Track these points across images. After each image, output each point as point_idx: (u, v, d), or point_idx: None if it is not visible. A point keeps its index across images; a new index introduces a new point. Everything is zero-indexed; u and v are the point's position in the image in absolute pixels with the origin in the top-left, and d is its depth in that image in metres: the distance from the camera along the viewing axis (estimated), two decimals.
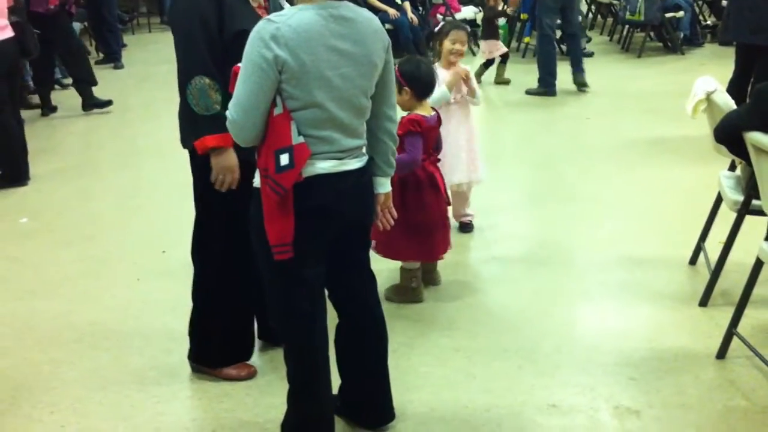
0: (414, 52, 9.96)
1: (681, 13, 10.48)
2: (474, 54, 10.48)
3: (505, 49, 8.92)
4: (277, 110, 2.35)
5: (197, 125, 2.82)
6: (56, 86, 8.98)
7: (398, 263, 3.82)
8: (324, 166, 2.42)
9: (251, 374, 3.24)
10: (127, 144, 6.94)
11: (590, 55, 10.54)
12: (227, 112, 2.39)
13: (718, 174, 3.91)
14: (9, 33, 5.76)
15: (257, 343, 3.36)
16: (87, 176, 6.03)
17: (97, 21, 10.53)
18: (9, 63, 5.80)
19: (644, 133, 6.72)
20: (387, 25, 9.72)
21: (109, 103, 8.01)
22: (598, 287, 3.99)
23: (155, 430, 2.94)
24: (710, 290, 3.70)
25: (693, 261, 4.15)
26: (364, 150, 2.58)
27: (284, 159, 2.34)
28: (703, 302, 3.71)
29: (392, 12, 9.96)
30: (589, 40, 11.10)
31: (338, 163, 2.45)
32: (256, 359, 3.32)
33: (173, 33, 2.90)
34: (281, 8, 2.73)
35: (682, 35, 10.77)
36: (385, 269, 3.79)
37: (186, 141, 2.99)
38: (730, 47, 7.42)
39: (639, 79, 9.05)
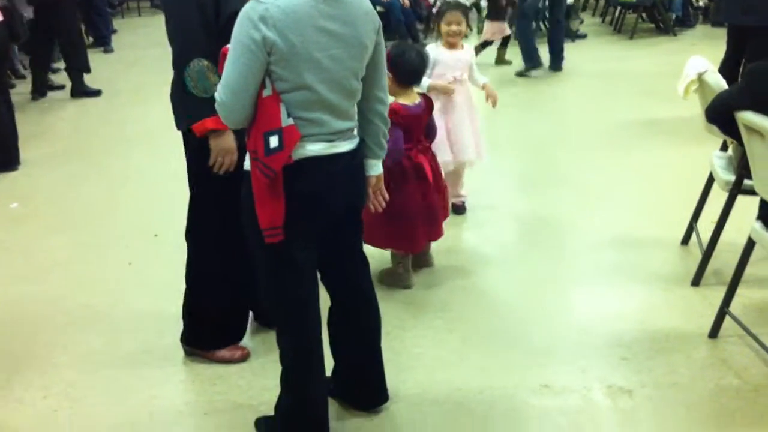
0: (405, 35, 9.93)
1: None
2: (479, 32, 10.46)
3: (509, 32, 8.90)
4: (266, 92, 2.33)
5: (196, 108, 2.80)
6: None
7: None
8: (314, 149, 2.40)
9: (244, 356, 3.24)
10: (117, 128, 6.91)
11: (583, 36, 10.53)
12: (216, 94, 2.38)
13: (710, 154, 3.92)
14: None
15: (250, 326, 3.36)
16: (77, 161, 6.00)
17: (86, 5, 10.47)
18: None
19: (636, 114, 6.72)
20: (378, 8, 9.68)
21: (98, 92, 8.04)
22: (591, 268, 3.99)
23: (148, 413, 2.94)
24: (702, 270, 3.71)
25: (685, 241, 4.15)
26: (355, 132, 2.56)
27: (273, 141, 2.32)
28: (696, 282, 3.72)
29: None
30: (582, 21, 11.08)
31: (329, 146, 2.43)
32: (249, 342, 3.32)
33: (168, 16, 2.86)
34: None
35: (674, 16, 10.77)
36: (378, 252, 3.78)
37: (180, 123, 2.98)
38: (722, 28, 7.41)
39: (631, 61, 9.05)
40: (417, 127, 3.66)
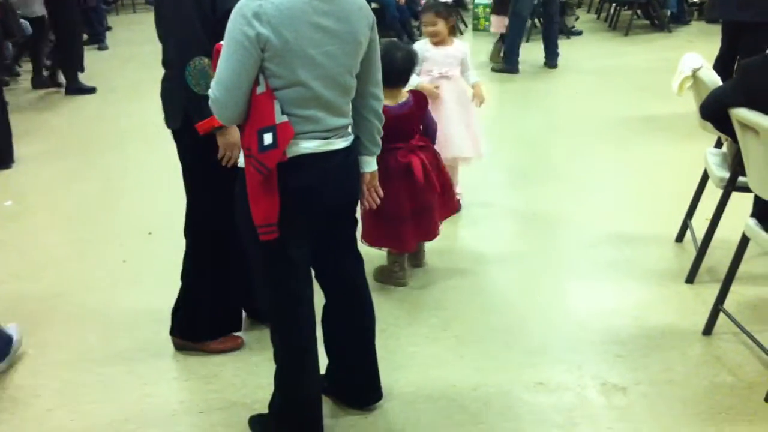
0: (401, 32, 9.92)
1: None
2: (461, 32, 10.46)
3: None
4: (260, 89, 2.33)
5: (200, 106, 2.78)
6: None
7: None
8: (309, 146, 2.40)
9: (237, 346, 3.25)
10: (112, 125, 6.90)
11: (579, 33, 10.53)
12: (209, 91, 2.37)
13: (705, 151, 3.92)
14: None
15: (245, 324, 3.36)
16: (72, 158, 5.98)
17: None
18: None
19: (632, 110, 6.72)
20: (373, 4, 9.65)
21: (93, 90, 8.02)
22: (586, 265, 3.99)
23: (142, 411, 2.93)
24: (697, 267, 3.71)
25: (680, 238, 4.16)
26: (349, 129, 2.56)
27: (267, 138, 2.31)
28: (690, 279, 3.72)
29: None
30: (577, 18, 11.08)
31: (324, 143, 2.43)
32: (243, 339, 3.32)
33: (165, 14, 2.84)
34: None
35: (669, 13, 10.76)
36: (373, 250, 3.78)
37: (172, 120, 2.97)
38: (717, 24, 7.42)
39: (626, 57, 9.05)
40: (404, 127, 3.57)
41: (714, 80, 3.53)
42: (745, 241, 3.16)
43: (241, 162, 2.45)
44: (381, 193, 2.76)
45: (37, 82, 8.26)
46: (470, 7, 11.58)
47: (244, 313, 3.39)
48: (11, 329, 3.30)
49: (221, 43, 2.34)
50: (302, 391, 2.62)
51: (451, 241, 4.27)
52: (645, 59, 8.81)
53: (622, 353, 3.19)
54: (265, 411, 2.74)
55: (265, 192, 2.36)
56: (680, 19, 10.93)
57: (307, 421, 2.65)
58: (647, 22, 11.02)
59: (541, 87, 7.90)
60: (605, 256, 4.06)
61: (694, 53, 3.78)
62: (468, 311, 3.57)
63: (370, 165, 2.67)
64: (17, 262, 4.24)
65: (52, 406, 2.98)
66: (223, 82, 2.31)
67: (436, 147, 3.90)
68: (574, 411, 2.85)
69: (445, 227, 4.02)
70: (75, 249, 4.36)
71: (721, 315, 3.27)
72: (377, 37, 2.55)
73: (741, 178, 3.33)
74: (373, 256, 3.73)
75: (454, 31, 4.39)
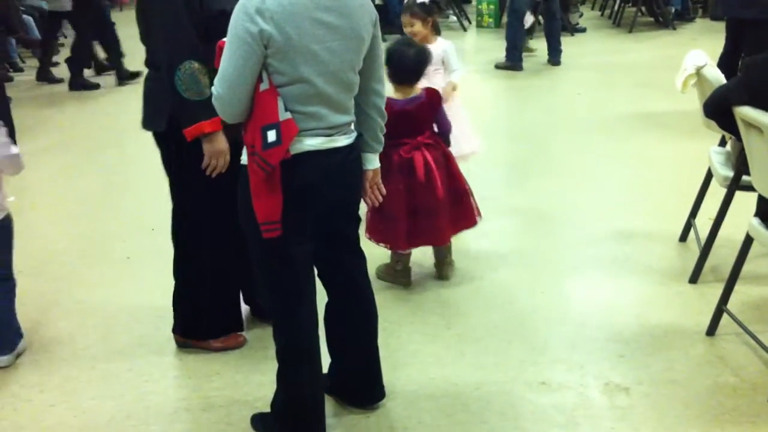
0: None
1: None
2: (465, 29, 10.43)
3: (532, 19, 8.78)
4: (263, 86, 2.32)
5: (190, 111, 2.76)
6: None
7: None
8: (312, 143, 2.39)
9: (239, 344, 3.25)
10: (114, 121, 6.89)
11: (583, 30, 10.52)
12: (213, 88, 2.36)
13: (708, 149, 3.90)
14: None
15: (247, 322, 3.36)
16: (74, 154, 5.98)
17: None
18: None
19: (635, 107, 6.71)
20: (377, 1, 9.65)
21: (96, 86, 8.02)
22: (589, 263, 3.98)
23: (144, 408, 2.93)
24: (700, 267, 3.70)
25: (683, 237, 4.14)
26: (352, 126, 2.55)
27: (271, 135, 2.31)
28: (693, 279, 3.71)
29: None
30: (581, 15, 11.06)
31: (327, 140, 2.42)
32: (246, 335, 3.31)
33: (155, 15, 2.78)
34: None
35: (673, 10, 10.74)
36: (377, 249, 3.76)
37: (154, 124, 2.94)
38: (721, 22, 7.40)
39: (630, 54, 9.03)
40: (411, 122, 3.53)
41: (718, 78, 3.52)
42: (749, 240, 3.15)
43: (244, 159, 2.44)
44: (384, 190, 2.75)
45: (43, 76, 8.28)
46: (474, 3, 11.59)
47: (245, 311, 3.38)
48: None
49: (224, 40, 2.33)
50: (304, 390, 2.61)
51: (452, 238, 4.25)
52: (649, 56, 8.80)
53: (625, 353, 3.18)
54: (268, 409, 2.73)
55: (268, 189, 2.35)
56: (684, 16, 10.92)
57: (309, 420, 2.64)
58: (651, 19, 11.00)
59: (543, 84, 7.89)
60: (608, 255, 4.05)
61: (699, 51, 3.76)
62: (469, 310, 3.56)
63: (372, 162, 2.66)
64: (19, 258, 4.19)
65: (53, 402, 2.97)
66: (226, 79, 2.30)
67: None
68: (576, 410, 2.84)
69: None
70: (77, 245, 4.36)
71: (725, 315, 3.26)
72: (380, 33, 2.54)
73: (745, 177, 3.31)
74: (375, 255, 3.71)
75: (436, 29, 4.33)
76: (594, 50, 9.21)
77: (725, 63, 5.65)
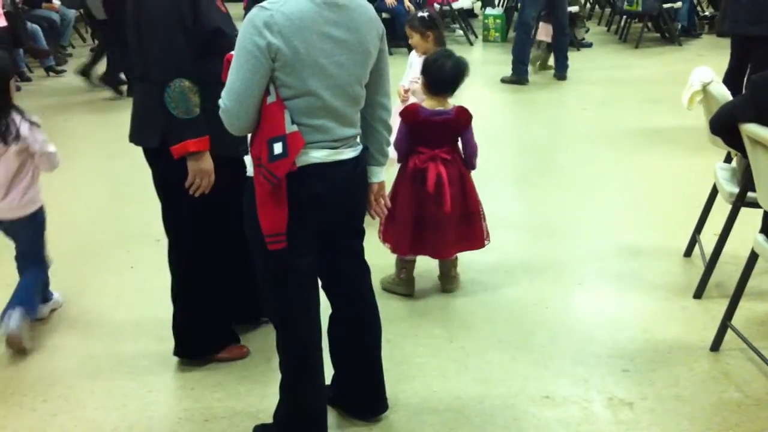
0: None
1: (679, 4, 10.47)
2: (471, 43, 10.46)
3: (550, 31, 8.70)
4: (270, 98, 2.33)
5: (178, 129, 2.75)
6: (51, 73, 9.00)
7: (394, 255, 3.78)
8: (318, 156, 2.40)
9: (243, 355, 3.26)
10: (119, 130, 6.86)
11: (589, 45, 10.54)
12: (220, 101, 2.37)
13: (714, 165, 3.90)
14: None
15: (249, 333, 3.37)
16: (80, 163, 5.99)
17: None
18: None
19: (641, 123, 6.71)
20: (384, 14, 9.69)
21: (122, 88, 7.98)
22: (594, 278, 3.98)
23: (148, 419, 2.93)
24: (705, 282, 3.69)
25: (688, 253, 4.14)
26: (358, 139, 2.56)
27: (278, 148, 2.32)
28: (698, 294, 3.70)
29: (389, 0, 9.92)
30: (588, 30, 11.08)
31: (333, 153, 2.43)
32: (249, 347, 3.32)
33: (147, 30, 2.74)
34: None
35: (679, 26, 10.76)
36: (381, 261, 3.77)
37: (146, 139, 2.93)
38: (727, 38, 7.40)
39: (636, 69, 9.04)
40: (431, 133, 3.53)
41: (724, 95, 3.52)
42: (754, 257, 3.14)
43: (250, 171, 2.45)
44: (389, 203, 2.77)
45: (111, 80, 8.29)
46: (480, 17, 11.62)
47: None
48: (56, 294, 3.72)
49: (232, 53, 2.34)
50: (307, 401, 2.62)
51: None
52: (655, 72, 8.81)
53: (629, 367, 3.17)
54: (270, 420, 2.73)
55: (273, 201, 2.36)
56: (691, 32, 10.93)
57: (311, 431, 2.64)
58: (658, 34, 11.01)
59: (550, 98, 7.90)
60: (613, 269, 4.04)
61: (705, 67, 3.77)
62: (474, 322, 3.56)
63: (378, 175, 2.67)
64: None
65: (56, 412, 2.98)
66: (233, 91, 2.32)
67: None
68: (580, 425, 2.83)
69: None
70: (82, 255, 4.37)
71: (729, 331, 3.26)
72: (387, 47, 2.56)
73: (750, 194, 3.31)
74: (380, 266, 3.72)
75: (440, 43, 4.36)
76: (600, 65, 9.22)
77: (730, 80, 5.65)
